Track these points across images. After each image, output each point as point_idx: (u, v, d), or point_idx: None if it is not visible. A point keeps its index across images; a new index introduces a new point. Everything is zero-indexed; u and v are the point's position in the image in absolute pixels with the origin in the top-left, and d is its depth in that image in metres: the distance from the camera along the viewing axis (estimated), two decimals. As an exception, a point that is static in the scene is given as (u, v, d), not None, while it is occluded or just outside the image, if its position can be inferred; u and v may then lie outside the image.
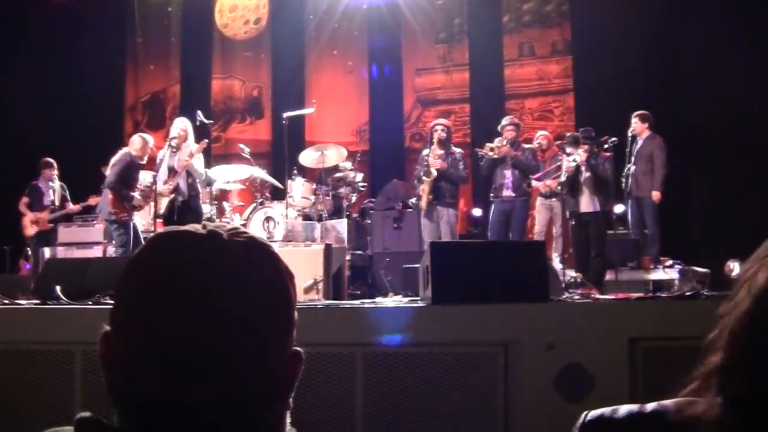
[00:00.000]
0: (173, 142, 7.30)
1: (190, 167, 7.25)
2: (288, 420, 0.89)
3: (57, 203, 9.02)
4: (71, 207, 9.05)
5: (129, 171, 7.62)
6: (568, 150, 7.41)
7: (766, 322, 0.82)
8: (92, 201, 8.62)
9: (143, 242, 0.90)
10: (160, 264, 0.84)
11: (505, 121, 7.78)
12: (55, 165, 9.09)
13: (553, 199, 8.18)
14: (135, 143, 7.80)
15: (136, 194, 7.60)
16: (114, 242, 7.75)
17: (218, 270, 0.83)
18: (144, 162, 7.87)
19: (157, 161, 7.50)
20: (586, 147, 7.28)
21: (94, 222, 8.74)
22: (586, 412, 0.96)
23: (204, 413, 0.80)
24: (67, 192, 9.13)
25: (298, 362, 0.88)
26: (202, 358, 0.80)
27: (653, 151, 7.94)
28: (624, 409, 0.93)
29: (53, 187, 9.05)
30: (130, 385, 0.81)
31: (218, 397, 0.80)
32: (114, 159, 7.63)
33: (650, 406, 0.91)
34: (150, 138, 8.06)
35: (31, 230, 8.95)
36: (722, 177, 8.38)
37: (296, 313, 0.89)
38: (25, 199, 9.05)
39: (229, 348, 0.81)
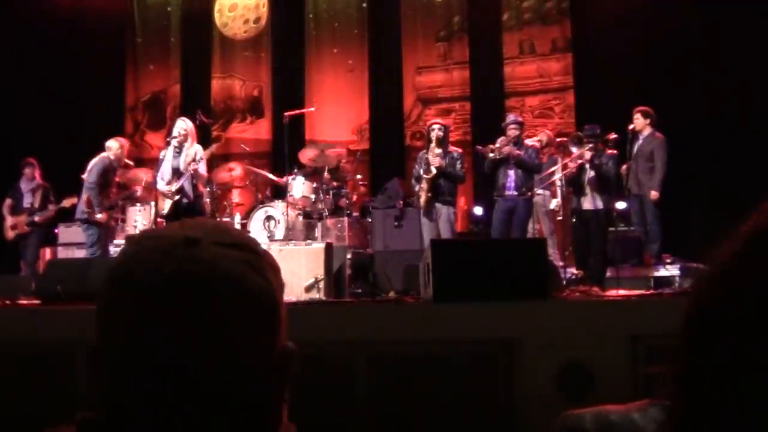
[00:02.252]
0: (174, 142, 7.29)
1: (197, 172, 7.23)
2: (285, 415, 0.88)
3: (36, 205, 8.75)
4: (49, 212, 8.72)
5: (107, 173, 7.79)
6: (573, 149, 7.40)
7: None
8: (66, 203, 8.38)
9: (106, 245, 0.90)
10: (135, 272, 0.83)
11: (508, 119, 7.77)
12: (36, 164, 8.85)
13: (537, 192, 8.09)
14: (112, 148, 7.92)
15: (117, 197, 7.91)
16: (86, 242, 7.85)
17: (193, 275, 0.82)
18: (121, 164, 8.07)
19: (159, 161, 7.49)
20: (590, 145, 7.27)
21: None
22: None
23: (195, 414, 0.80)
24: (51, 193, 8.83)
25: (289, 357, 0.87)
26: (184, 364, 0.80)
27: (654, 150, 7.90)
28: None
29: (32, 188, 8.79)
30: (122, 389, 0.82)
31: (207, 399, 0.80)
32: (92, 162, 7.77)
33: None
34: (125, 142, 8.27)
35: (11, 233, 8.77)
36: (724, 174, 8.36)
37: (283, 309, 0.88)
38: (8, 201, 8.84)
39: (211, 352, 0.80)
